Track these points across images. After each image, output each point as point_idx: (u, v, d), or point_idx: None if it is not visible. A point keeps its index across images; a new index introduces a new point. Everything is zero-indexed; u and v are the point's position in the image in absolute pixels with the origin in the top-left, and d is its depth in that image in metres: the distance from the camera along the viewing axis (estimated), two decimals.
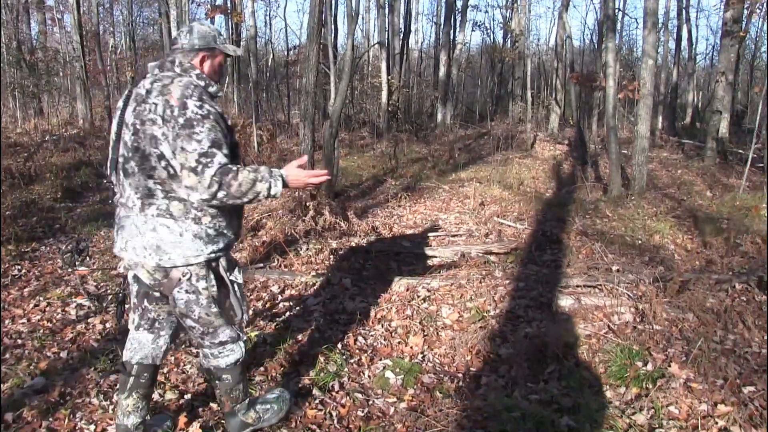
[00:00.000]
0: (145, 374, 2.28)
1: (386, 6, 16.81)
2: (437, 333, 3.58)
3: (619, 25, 22.54)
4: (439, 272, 4.56)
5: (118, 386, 2.49)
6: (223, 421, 2.44)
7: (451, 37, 18.80)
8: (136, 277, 2.21)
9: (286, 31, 17.89)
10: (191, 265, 2.14)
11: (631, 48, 28.93)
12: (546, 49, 28.28)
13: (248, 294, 4.16)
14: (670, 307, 3.80)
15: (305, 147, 6.56)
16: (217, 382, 2.32)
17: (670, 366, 3.06)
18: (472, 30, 22.81)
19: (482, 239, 5.37)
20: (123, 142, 2.15)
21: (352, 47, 7.17)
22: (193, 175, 2.01)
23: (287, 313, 3.82)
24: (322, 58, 13.33)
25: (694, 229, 6.08)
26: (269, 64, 21.23)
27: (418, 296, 4.04)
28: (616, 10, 8.34)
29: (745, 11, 13.01)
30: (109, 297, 3.91)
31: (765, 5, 12.07)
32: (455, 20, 19.93)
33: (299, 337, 3.43)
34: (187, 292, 2.15)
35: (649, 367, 3.03)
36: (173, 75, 2.14)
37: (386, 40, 16.22)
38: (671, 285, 4.00)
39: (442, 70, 17.32)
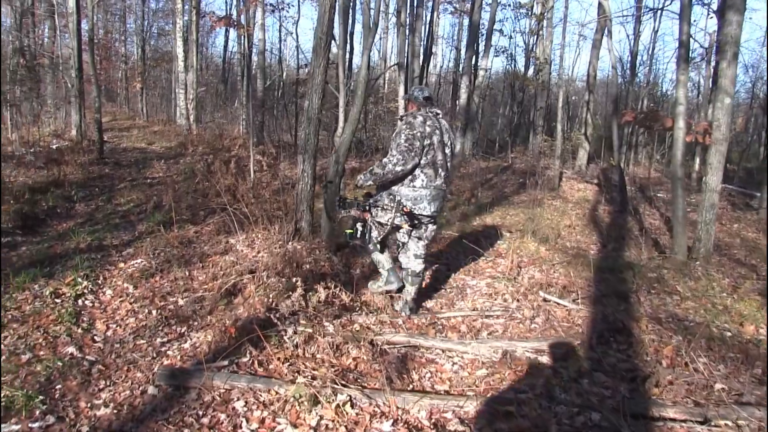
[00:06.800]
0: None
1: (407, 26, 15.66)
2: None
3: (646, 58, 21.43)
4: (475, 383, 3.27)
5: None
6: None
7: (473, 62, 17.66)
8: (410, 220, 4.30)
9: (297, 47, 16.76)
10: None
11: (656, 82, 27.61)
12: (567, 80, 27.06)
13: (202, 414, 2.89)
14: None
15: (304, 185, 5.33)
16: (417, 278, 4.38)
17: None
18: (495, 55, 21.56)
19: (527, 325, 4.08)
20: (447, 151, 4.24)
21: (367, 65, 5.96)
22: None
23: None
24: (332, 77, 12.19)
25: None
26: (280, 82, 20.14)
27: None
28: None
29: None
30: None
31: None
32: (478, 45, 18.82)
33: None
34: (434, 225, 4.38)
35: None
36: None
37: (405, 62, 15.02)
38: None
39: (463, 97, 16.08)
